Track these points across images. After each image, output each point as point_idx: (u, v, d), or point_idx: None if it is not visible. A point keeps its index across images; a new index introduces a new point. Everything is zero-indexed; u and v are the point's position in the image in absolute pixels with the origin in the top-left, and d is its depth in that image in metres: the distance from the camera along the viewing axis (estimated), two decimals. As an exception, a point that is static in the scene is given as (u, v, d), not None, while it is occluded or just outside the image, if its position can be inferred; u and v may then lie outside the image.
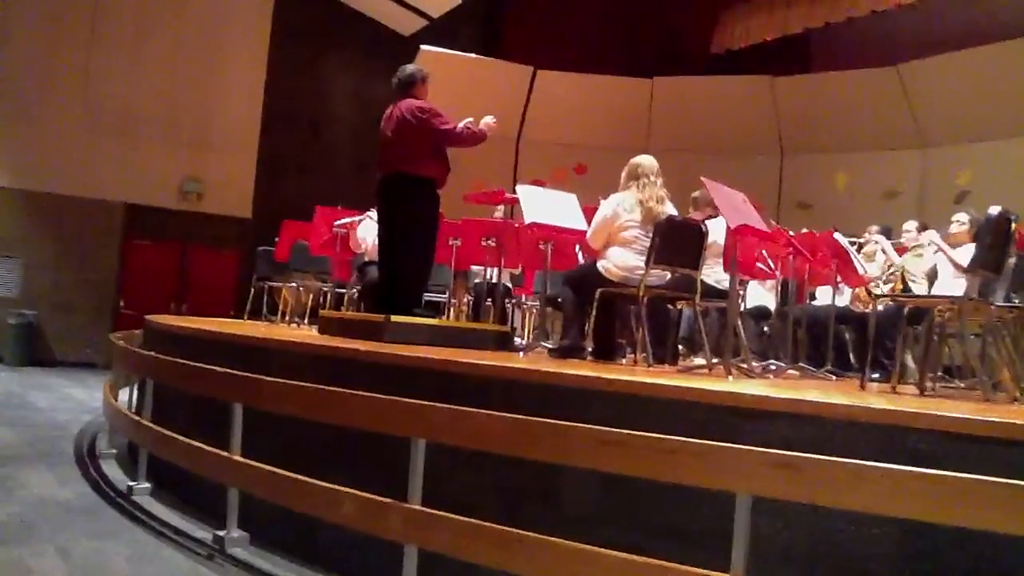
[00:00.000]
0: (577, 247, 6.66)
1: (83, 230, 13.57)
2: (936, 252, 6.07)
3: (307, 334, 6.39)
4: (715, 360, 5.04)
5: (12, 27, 13.09)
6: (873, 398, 3.56)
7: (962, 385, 5.33)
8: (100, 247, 13.76)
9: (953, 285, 5.58)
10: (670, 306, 5.78)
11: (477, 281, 8.08)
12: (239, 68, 14.68)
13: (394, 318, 5.38)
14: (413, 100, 5.84)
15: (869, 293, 6.71)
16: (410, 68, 6.09)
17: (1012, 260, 4.55)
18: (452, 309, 7.97)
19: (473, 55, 14.22)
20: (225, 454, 4.25)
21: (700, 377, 4.41)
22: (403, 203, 5.76)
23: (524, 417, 3.08)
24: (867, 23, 12.14)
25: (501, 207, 7.94)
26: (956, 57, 11.08)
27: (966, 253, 4.98)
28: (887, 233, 7.19)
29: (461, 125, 5.80)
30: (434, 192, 5.84)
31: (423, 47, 13.07)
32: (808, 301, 6.97)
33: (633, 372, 4.35)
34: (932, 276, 6.22)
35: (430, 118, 5.73)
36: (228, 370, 4.50)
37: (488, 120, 5.89)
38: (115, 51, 13.75)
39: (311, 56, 15.12)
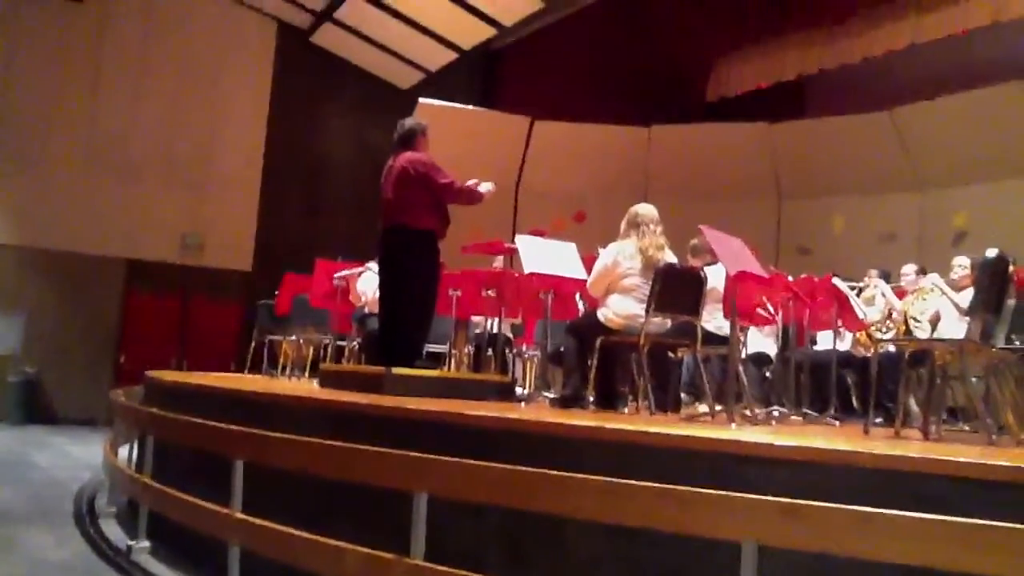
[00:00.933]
0: (578, 296, 6.66)
1: (84, 286, 13.61)
2: (940, 296, 6.09)
3: (308, 387, 6.37)
4: (718, 407, 5.02)
5: (14, 81, 13.24)
6: (877, 443, 3.55)
7: (966, 428, 5.31)
8: (101, 302, 13.78)
9: (957, 328, 5.58)
10: (671, 353, 5.77)
11: (478, 331, 8.07)
12: (239, 121, 14.85)
13: (395, 370, 5.37)
14: (413, 153, 5.89)
15: (870, 337, 6.70)
16: (409, 122, 6.13)
17: (1011, 302, 4.55)
18: (453, 360, 7.95)
19: (470, 107, 14.37)
20: (226, 510, 4.21)
21: (703, 425, 4.39)
22: (403, 255, 5.78)
23: (527, 468, 3.06)
24: (860, 69, 12.28)
25: (500, 257, 7.96)
26: (949, 100, 11.18)
27: (970, 297, 4.98)
28: (886, 277, 7.21)
29: (469, 184, 5.85)
30: (434, 244, 5.86)
31: (421, 100, 13.22)
32: (809, 346, 6.96)
33: (635, 421, 4.33)
34: (935, 320, 6.23)
35: (429, 171, 5.77)
36: (229, 425, 4.48)
37: (488, 186, 5.94)
38: (115, 108, 13.91)
39: (311, 108, 15.30)
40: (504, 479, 3.10)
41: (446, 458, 3.29)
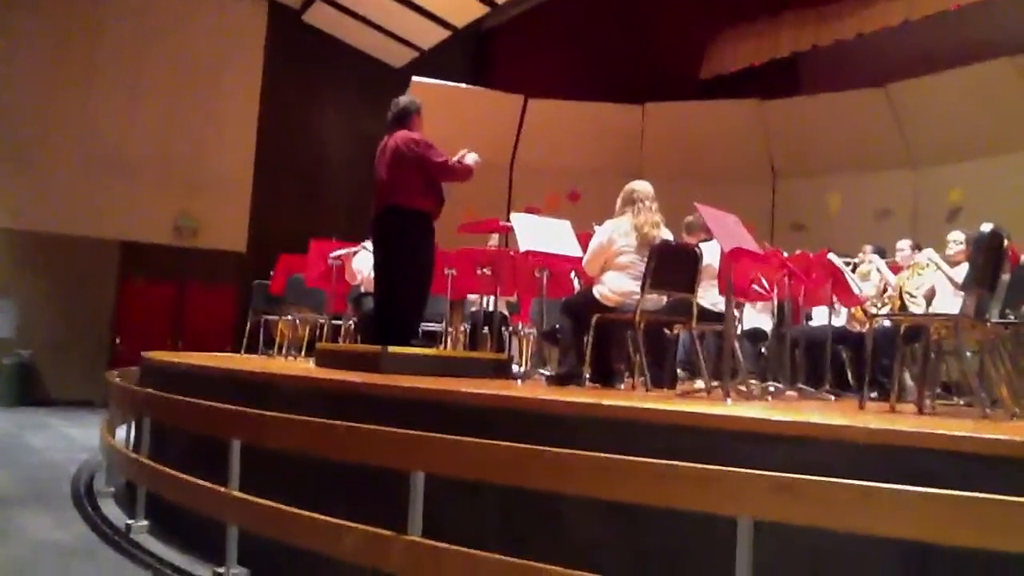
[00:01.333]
0: (573, 273, 6.66)
1: (79, 269, 13.58)
2: (935, 271, 6.10)
3: (304, 367, 6.37)
4: (714, 383, 5.04)
5: (10, 69, 13.19)
6: (872, 418, 3.56)
7: (960, 402, 5.33)
8: (96, 285, 13.76)
9: (952, 303, 5.60)
10: (667, 330, 5.78)
11: (473, 310, 8.08)
12: (233, 104, 14.79)
13: (391, 349, 5.36)
14: (407, 132, 5.85)
15: (866, 313, 6.71)
16: (404, 100, 6.09)
17: (1006, 277, 4.56)
18: (449, 338, 7.96)
19: (464, 85, 14.31)
20: (223, 489, 4.22)
21: (699, 401, 4.40)
22: (398, 236, 5.75)
23: (523, 446, 3.06)
24: (854, 45, 12.24)
25: (495, 236, 7.96)
26: (943, 77, 11.17)
27: (964, 272, 5.00)
28: (881, 253, 7.22)
29: (455, 158, 5.82)
30: (429, 224, 5.83)
31: (414, 78, 13.16)
32: (804, 322, 6.97)
33: (631, 397, 4.34)
34: (930, 296, 6.24)
35: (424, 150, 5.74)
36: (225, 405, 4.48)
37: (474, 157, 5.90)
38: (112, 91, 13.86)
39: (304, 90, 15.23)
40: (500, 456, 3.11)
41: (442, 436, 3.30)
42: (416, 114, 5.98)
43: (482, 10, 14.24)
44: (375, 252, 6.06)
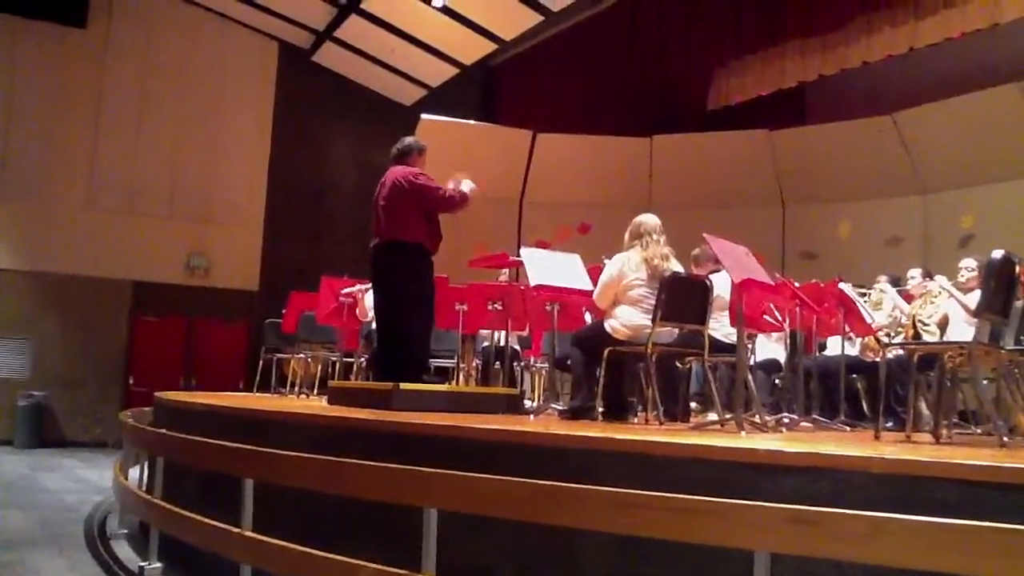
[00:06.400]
0: (584, 307, 6.65)
1: (91, 309, 13.67)
2: (948, 298, 6.07)
3: (317, 405, 6.37)
4: (727, 415, 5.01)
5: (17, 108, 13.36)
6: (888, 448, 3.53)
7: (978, 431, 5.28)
8: (108, 325, 13.84)
9: (966, 331, 5.56)
10: (679, 363, 5.76)
11: (485, 345, 8.07)
12: (242, 142, 14.94)
13: (403, 385, 5.35)
14: (406, 167, 5.90)
15: (879, 342, 6.68)
16: (409, 139, 6.16)
17: (1019, 303, 4.53)
18: (461, 374, 7.95)
19: (473, 121, 14.41)
20: (236, 530, 4.20)
21: (713, 433, 4.37)
22: (398, 270, 5.76)
23: (537, 481, 3.05)
24: (860, 74, 12.27)
25: (506, 270, 7.96)
26: (950, 103, 11.17)
27: (977, 298, 4.97)
28: (895, 282, 7.19)
29: (450, 185, 5.87)
30: (427, 257, 5.84)
31: (423, 116, 13.25)
32: (818, 352, 6.94)
33: (645, 431, 4.32)
34: (944, 323, 6.20)
35: (424, 182, 5.77)
36: (238, 445, 4.48)
37: (470, 184, 5.94)
38: (119, 129, 14.03)
39: (314, 127, 15.37)
40: (514, 492, 3.08)
41: (455, 472, 3.28)
42: (418, 154, 6.04)
43: (490, 47, 14.39)
44: (374, 287, 6.06)
